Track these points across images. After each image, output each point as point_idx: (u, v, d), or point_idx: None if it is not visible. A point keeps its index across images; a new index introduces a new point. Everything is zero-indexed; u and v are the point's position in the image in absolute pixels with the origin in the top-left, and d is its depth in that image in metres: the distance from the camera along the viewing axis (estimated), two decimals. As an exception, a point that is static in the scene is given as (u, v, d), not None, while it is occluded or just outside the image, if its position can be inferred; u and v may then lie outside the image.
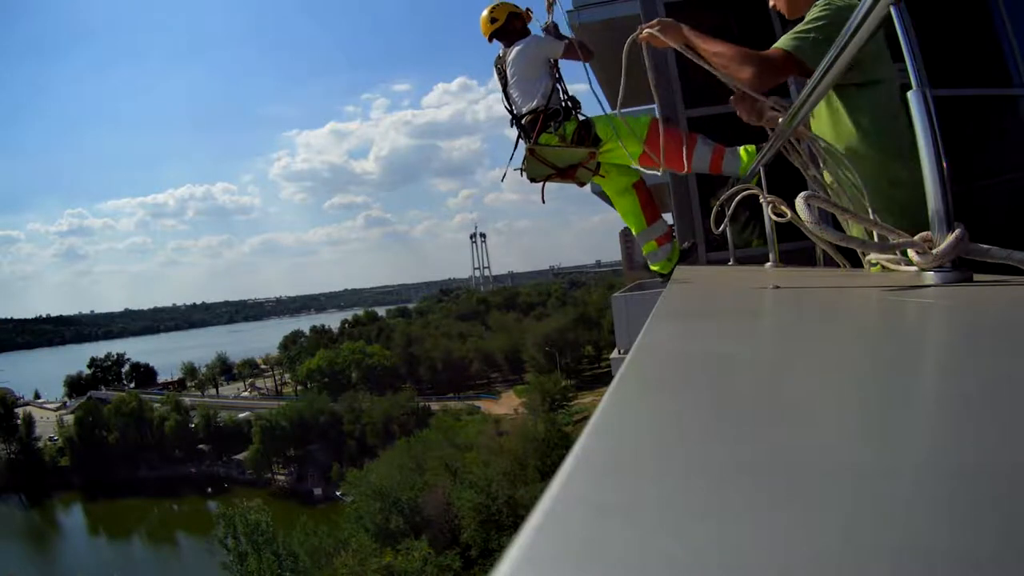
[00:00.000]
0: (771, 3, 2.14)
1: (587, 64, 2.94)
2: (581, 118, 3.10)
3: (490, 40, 3.29)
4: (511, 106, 3.20)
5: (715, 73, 1.99)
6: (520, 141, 3.15)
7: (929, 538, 0.20)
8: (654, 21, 2.15)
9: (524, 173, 3.16)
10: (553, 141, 3.00)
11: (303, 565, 21.60)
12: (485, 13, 3.29)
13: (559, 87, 3.12)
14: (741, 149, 3.04)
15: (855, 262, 2.27)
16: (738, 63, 1.87)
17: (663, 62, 5.36)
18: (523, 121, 3.11)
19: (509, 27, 3.23)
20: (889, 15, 1.19)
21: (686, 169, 3.05)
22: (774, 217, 2.12)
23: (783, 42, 1.85)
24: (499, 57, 3.26)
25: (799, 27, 1.87)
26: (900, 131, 1.82)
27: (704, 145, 3.05)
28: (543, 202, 3.25)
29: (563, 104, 3.09)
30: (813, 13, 1.87)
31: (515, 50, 3.13)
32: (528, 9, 3.27)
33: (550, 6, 3.27)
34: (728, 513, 0.23)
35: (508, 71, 3.16)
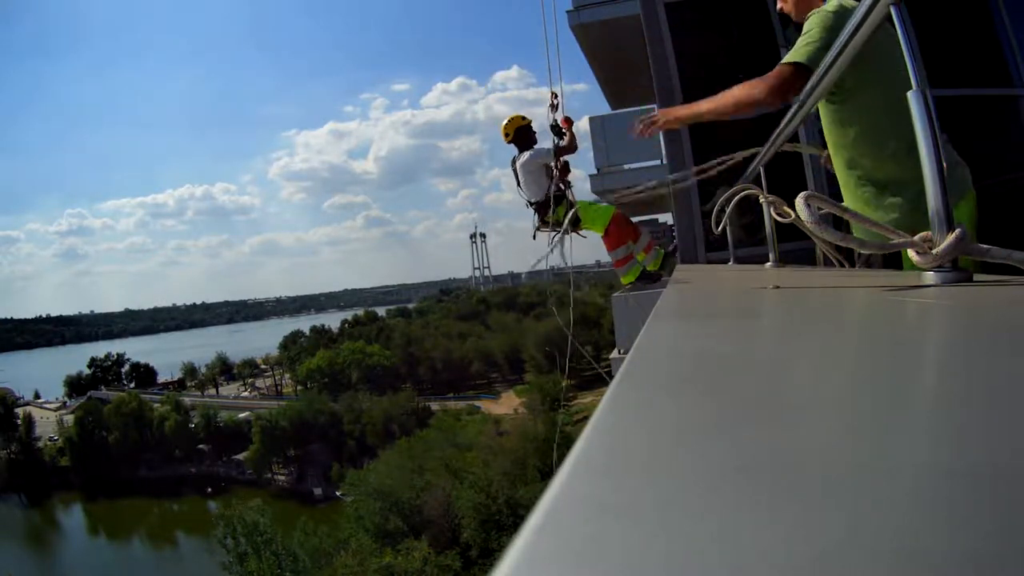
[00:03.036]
0: (779, 6, 2.15)
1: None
2: (570, 200, 4.31)
3: (509, 144, 4.47)
4: (523, 196, 4.46)
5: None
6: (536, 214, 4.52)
7: (929, 538, 0.20)
8: (649, 117, 2.26)
9: (536, 231, 4.56)
10: (551, 220, 4.32)
11: (303, 565, 21.59)
12: (502, 127, 4.46)
13: (555, 179, 4.29)
14: (648, 255, 4.62)
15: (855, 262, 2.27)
16: (748, 93, 1.90)
17: (664, 64, 5.36)
18: (532, 205, 4.45)
19: (520, 136, 4.39)
20: (889, 15, 1.20)
21: (612, 248, 4.51)
22: (776, 217, 2.12)
23: (791, 56, 1.87)
24: (514, 159, 4.43)
25: (802, 39, 1.89)
26: (888, 135, 1.84)
27: (634, 245, 4.49)
28: (533, 238, 4.58)
29: (559, 190, 4.27)
30: (810, 23, 1.89)
31: (521, 160, 4.34)
32: (530, 121, 4.50)
33: (552, 107, 4.27)
34: (728, 513, 0.23)
35: (519, 172, 4.36)
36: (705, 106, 2.04)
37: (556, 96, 4.26)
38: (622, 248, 4.46)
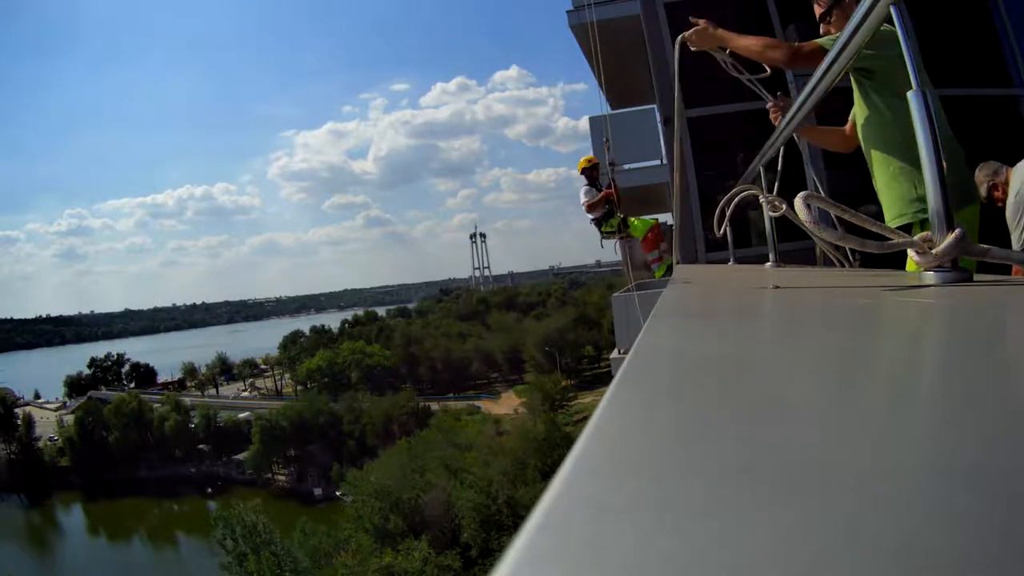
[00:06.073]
0: (822, 31, 2.21)
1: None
2: (620, 215, 5.81)
3: (580, 175, 6.00)
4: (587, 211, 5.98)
5: (741, 74, 2.21)
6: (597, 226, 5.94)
7: (929, 538, 0.20)
8: (692, 31, 2.47)
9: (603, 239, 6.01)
10: (609, 228, 5.77)
11: (303, 565, 21.60)
12: (579, 164, 5.95)
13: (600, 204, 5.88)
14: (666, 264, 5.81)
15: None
16: (771, 47, 2.18)
17: (664, 64, 5.36)
18: (592, 220, 5.94)
19: (587, 172, 5.92)
20: (889, 15, 1.20)
21: (648, 251, 5.97)
22: (772, 214, 2.13)
23: (822, 40, 2.06)
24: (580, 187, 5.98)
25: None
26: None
27: (660, 249, 5.95)
28: (602, 246, 6.15)
29: (609, 209, 5.85)
30: None
31: (581, 190, 5.87)
32: (597, 162, 6.06)
33: (607, 149, 5.98)
34: (728, 513, 0.23)
35: (581, 197, 5.88)
36: (737, 42, 2.29)
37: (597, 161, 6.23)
38: (655, 251, 5.97)
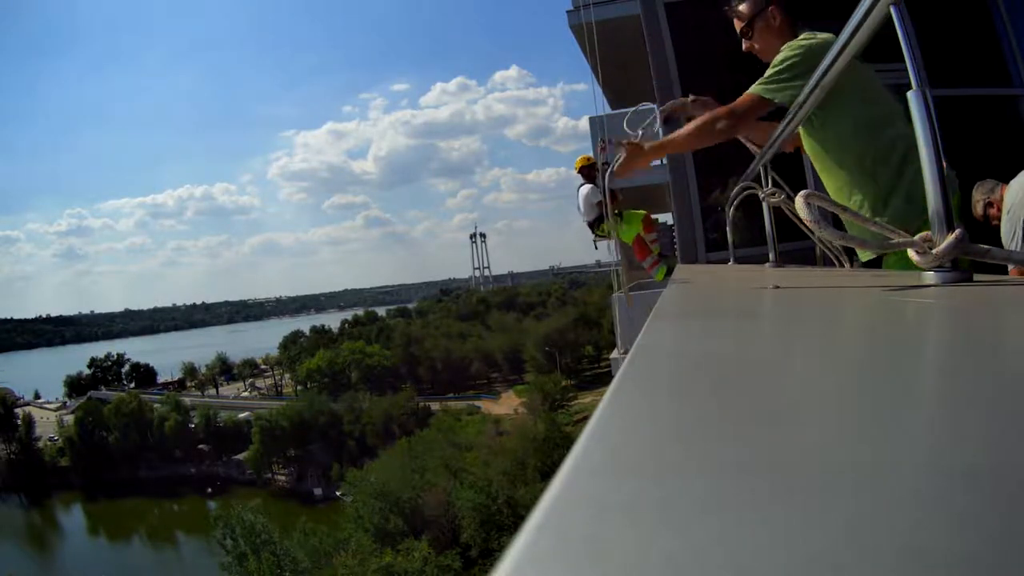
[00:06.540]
0: (745, 47, 2.14)
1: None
2: (613, 216, 5.42)
3: (577, 174, 5.70)
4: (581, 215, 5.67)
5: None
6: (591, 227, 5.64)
7: (929, 538, 0.20)
8: (617, 165, 2.31)
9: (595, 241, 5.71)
10: (602, 232, 5.40)
11: (303, 565, 21.61)
12: (576, 162, 5.65)
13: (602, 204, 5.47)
14: (664, 266, 5.39)
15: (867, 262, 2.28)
16: (710, 128, 1.99)
17: (664, 64, 5.36)
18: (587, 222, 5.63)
19: (585, 171, 5.59)
20: (889, 15, 1.19)
21: (642, 258, 5.52)
22: (772, 200, 2.14)
23: (753, 88, 1.96)
24: (579, 186, 5.57)
25: (768, 71, 1.94)
26: (866, 146, 1.86)
27: (649, 240, 5.52)
28: (595, 248, 5.89)
29: (603, 212, 5.43)
30: (781, 55, 1.93)
31: (582, 192, 5.51)
32: (595, 161, 5.61)
33: (601, 150, 5.43)
34: (728, 512, 0.23)
35: (579, 198, 5.55)
36: (671, 145, 2.20)
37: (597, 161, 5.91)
38: (649, 257, 5.67)
